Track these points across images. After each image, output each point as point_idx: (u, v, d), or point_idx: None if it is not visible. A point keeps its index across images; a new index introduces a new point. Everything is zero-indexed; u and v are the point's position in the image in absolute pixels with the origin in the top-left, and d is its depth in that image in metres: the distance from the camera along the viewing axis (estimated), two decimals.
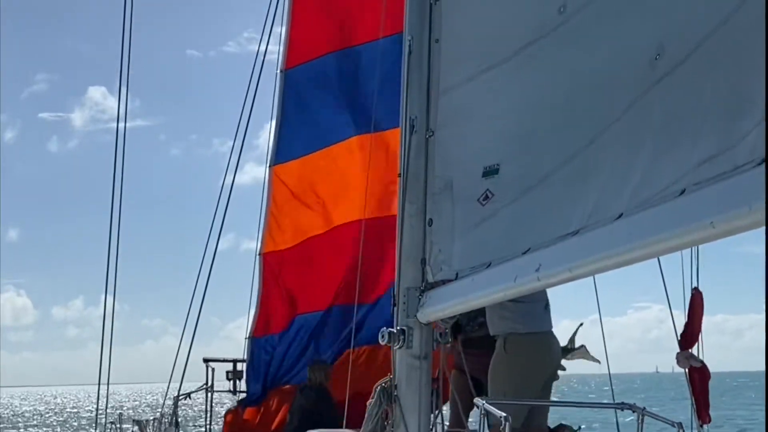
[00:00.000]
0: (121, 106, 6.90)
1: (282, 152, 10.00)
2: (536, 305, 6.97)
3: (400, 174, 5.60)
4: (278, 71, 9.94)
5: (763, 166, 3.61)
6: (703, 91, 4.24)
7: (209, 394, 10.41)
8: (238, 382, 10.40)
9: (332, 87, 9.89)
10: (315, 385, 9.51)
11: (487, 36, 5.27)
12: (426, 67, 5.53)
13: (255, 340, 10.11)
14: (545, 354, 7.01)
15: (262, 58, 9.17)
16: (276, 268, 10.11)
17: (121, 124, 6.55)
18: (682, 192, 3.97)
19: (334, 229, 9.89)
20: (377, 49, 8.52)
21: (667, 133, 4.38)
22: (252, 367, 10.13)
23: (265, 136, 10.05)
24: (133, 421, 11.32)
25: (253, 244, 10.17)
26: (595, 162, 4.71)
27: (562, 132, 4.91)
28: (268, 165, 10.00)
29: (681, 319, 5.29)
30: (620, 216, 4.25)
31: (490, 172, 5.19)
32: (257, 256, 10.06)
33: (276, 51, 9.64)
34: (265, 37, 9.05)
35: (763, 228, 3.38)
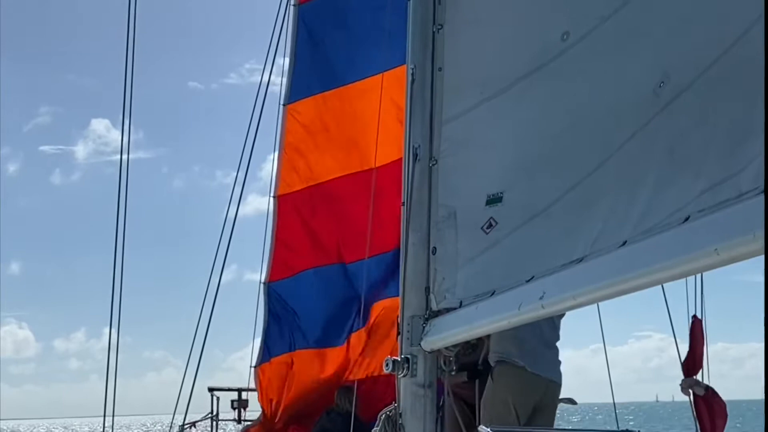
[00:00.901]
0: (124, 138, 6.90)
1: (296, 90, 9.61)
2: (539, 343, 6.99)
3: (403, 203, 5.60)
4: (292, 5, 9.53)
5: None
6: (706, 119, 4.24)
7: (214, 423, 10.35)
8: (243, 410, 10.26)
9: (348, 22, 9.54)
10: (342, 410, 9.30)
11: (490, 64, 5.28)
12: (429, 95, 5.54)
13: (272, 285, 9.69)
14: (528, 391, 7.01)
15: (264, 89, 9.11)
16: (292, 210, 9.69)
17: (125, 156, 6.55)
18: (686, 219, 3.97)
19: (355, 175, 9.50)
20: None
21: (671, 161, 4.38)
22: (273, 319, 9.65)
23: (268, 168, 9.92)
24: None
25: (255, 276, 10.04)
26: (599, 190, 4.71)
27: (566, 159, 4.91)
28: (281, 104, 9.57)
29: (684, 347, 5.28)
30: (624, 243, 4.24)
31: (493, 200, 5.19)
32: (271, 199, 9.65)
33: (279, 82, 9.55)
34: (268, 68, 9.02)
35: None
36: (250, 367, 9.75)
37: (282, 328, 9.65)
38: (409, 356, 5.50)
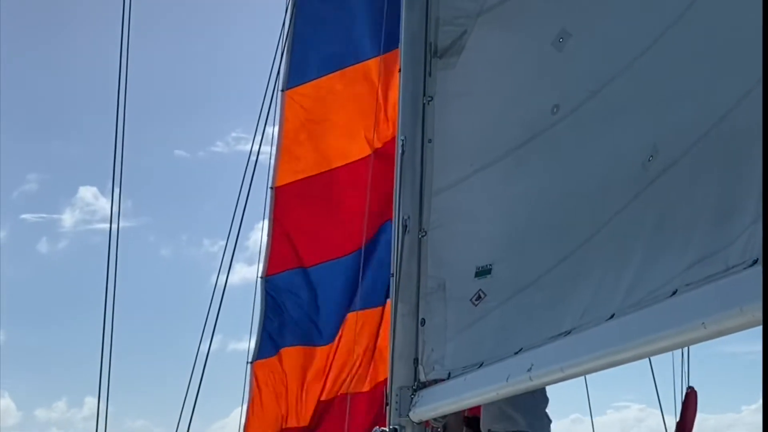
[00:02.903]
0: (114, 207, 6.90)
1: (295, 74, 9.30)
2: (541, 402, 6.91)
3: (392, 274, 5.60)
4: None
5: (755, 267, 3.63)
6: (695, 193, 4.27)
7: None
8: None
9: (349, 2, 9.31)
10: None
11: (480, 136, 5.32)
12: (419, 166, 5.56)
13: (270, 279, 9.35)
14: None
15: (254, 158, 9.04)
16: (292, 200, 9.40)
17: (114, 226, 6.55)
18: (674, 293, 3.98)
19: (354, 163, 9.23)
20: None
21: (660, 234, 4.40)
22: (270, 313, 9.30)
23: (255, 237, 9.82)
24: None
25: (240, 345, 9.88)
26: (588, 263, 4.73)
27: (555, 232, 4.94)
28: (280, 89, 9.21)
29: (669, 419, 5.27)
30: (612, 316, 4.25)
31: (482, 272, 5.20)
32: (269, 190, 9.30)
33: (267, 152, 9.43)
34: (258, 137, 8.98)
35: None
36: (247, 363, 9.38)
37: (280, 322, 9.47)
38: (397, 427, 5.47)
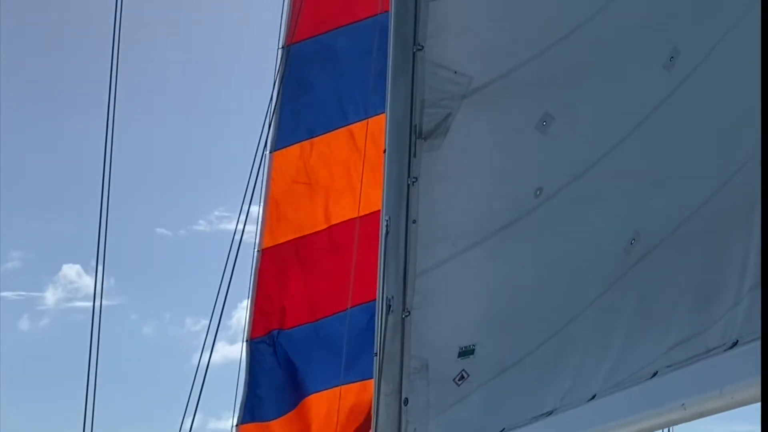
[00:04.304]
0: (98, 286, 6.90)
1: (282, 137, 9.38)
2: None
3: (376, 353, 5.60)
4: (280, 47, 9.36)
5: (734, 349, 3.67)
6: (676, 276, 4.32)
7: None
8: None
9: (337, 65, 9.43)
10: None
11: (464, 217, 5.36)
12: (403, 247, 5.58)
13: (254, 342, 9.31)
14: None
15: (239, 237, 9.04)
16: (278, 263, 9.40)
17: (97, 303, 6.55)
18: (655, 374, 4.01)
19: (338, 225, 9.28)
20: (377, 24, 8.10)
21: (641, 317, 4.45)
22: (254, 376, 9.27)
23: (239, 315, 9.80)
24: None
25: (220, 424, 9.81)
26: (570, 344, 4.76)
27: (538, 314, 4.97)
28: (268, 151, 9.22)
29: None
30: (594, 397, 4.26)
31: (465, 352, 5.21)
32: (255, 252, 9.33)
33: (253, 231, 9.47)
34: (242, 217, 8.99)
35: None
36: (232, 426, 9.25)
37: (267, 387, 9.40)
38: None
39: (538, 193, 4.95)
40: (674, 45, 4.50)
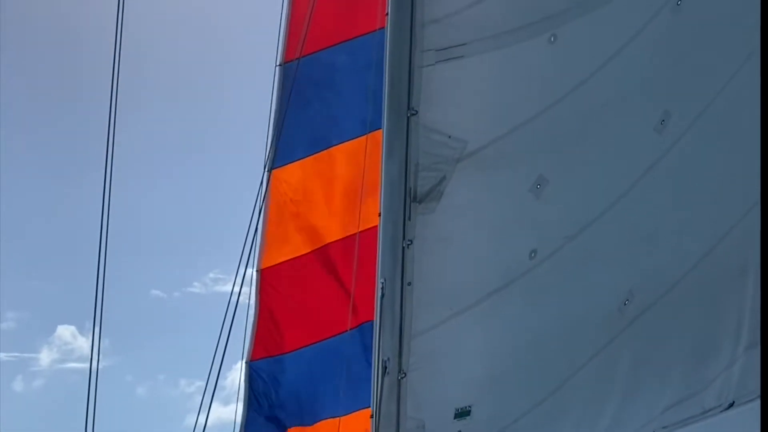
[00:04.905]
0: (94, 347, 6.89)
1: (281, 154, 9.15)
2: None
3: (372, 415, 5.60)
4: (277, 65, 9.14)
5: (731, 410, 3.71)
6: (671, 336, 4.39)
7: None
8: None
9: (335, 81, 9.27)
10: None
11: (459, 280, 5.40)
12: (398, 309, 5.60)
13: (254, 364, 9.14)
14: None
15: (235, 300, 9.04)
16: (277, 284, 9.25)
17: (94, 365, 6.54)
18: None
19: (338, 242, 9.14)
20: (376, 39, 8.05)
21: (637, 377, 4.50)
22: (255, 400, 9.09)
23: (233, 376, 9.75)
24: None
25: None
26: (565, 405, 4.80)
27: (533, 375, 5.01)
28: (266, 169, 9.01)
29: None
30: None
31: (462, 413, 5.23)
32: (255, 273, 9.08)
33: (247, 293, 9.44)
34: (238, 280, 9.00)
35: None
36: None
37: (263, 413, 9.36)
38: None
39: (532, 255, 5.01)
40: (665, 108, 4.60)
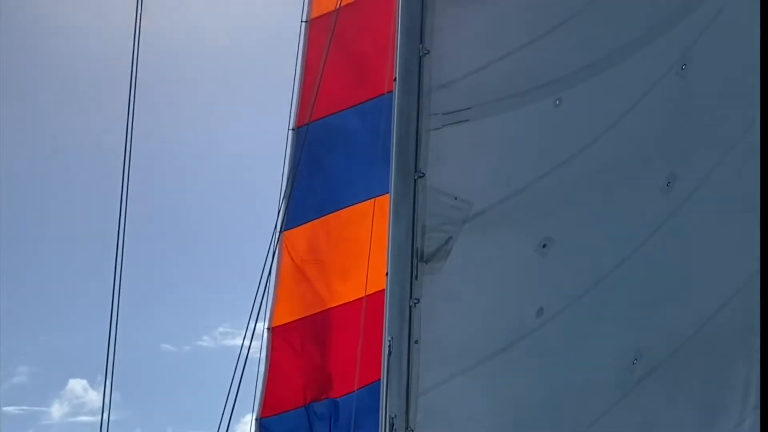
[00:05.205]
0: (106, 400, 6.92)
1: (293, 216, 9.39)
2: None
3: None
4: (290, 129, 9.47)
5: None
6: (679, 396, 4.45)
7: None
8: None
9: (346, 144, 9.55)
10: None
11: (466, 338, 5.46)
12: (405, 367, 5.65)
13: (264, 421, 9.28)
14: None
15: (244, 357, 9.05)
16: (287, 343, 9.42)
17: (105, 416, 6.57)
18: None
19: (347, 304, 9.32)
20: (383, 103, 8.32)
21: None
22: None
23: (242, 429, 9.77)
24: None
25: None
26: None
27: None
28: (278, 231, 9.07)
29: None
30: None
31: None
32: (265, 331, 9.32)
33: (258, 347, 9.49)
34: (249, 333, 9.02)
35: None
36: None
37: None
38: None
39: (539, 314, 5.08)
40: (671, 170, 4.70)
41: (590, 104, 5.16)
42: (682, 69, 5.06)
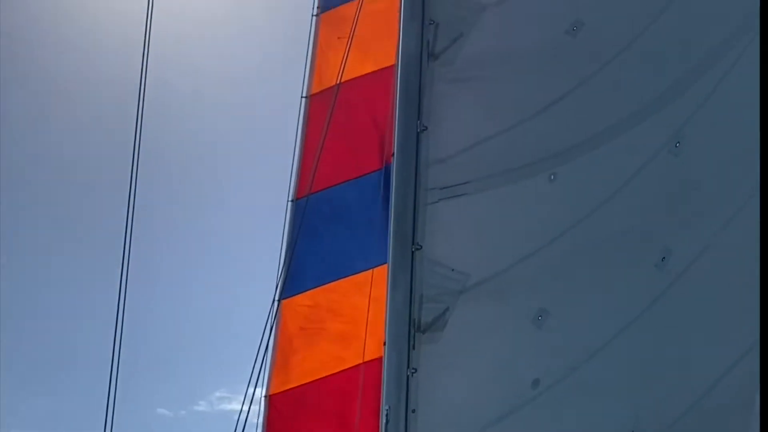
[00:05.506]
0: None
1: (292, 285, 9.53)
2: None
3: None
4: (289, 201, 9.73)
5: None
6: None
7: None
8: None
9: (344, 216, 9.73)
10: None
11: (463, 408, 5.54)
12: None
13: None
14: None
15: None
16: (285, 411, 9.47)
17: None
18: None
19: (345, 372, 9.44)
20: (382, 177, 8.56)
21: None
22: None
23: None
24: None
25: None
26: None
27: None
28: (277, 298, 9.24)
29: None
30: None
31: None
32: (263, 399, 9.38)
33: (256, 412, 9.59)
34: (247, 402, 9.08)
35: None
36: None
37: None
38: None
39: (535, 385, 5.16)
40: (666, 245, 4.83)
41: (584, 180, 5.30)
42: (676, 146, 5.21)
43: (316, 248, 9.82)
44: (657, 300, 4.78)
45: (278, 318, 9.59)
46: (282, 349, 9.70)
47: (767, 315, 4.03)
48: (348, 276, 9.74)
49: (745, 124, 5.31)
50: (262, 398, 9.63)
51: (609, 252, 5.15)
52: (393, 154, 5.64)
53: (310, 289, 9.78)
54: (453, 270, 5.53)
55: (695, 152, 5.18)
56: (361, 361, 9.19)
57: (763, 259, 4.31)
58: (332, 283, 9.80)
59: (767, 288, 4.16)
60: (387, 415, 5.84)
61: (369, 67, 10.03)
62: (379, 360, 7.88)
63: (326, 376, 9.63)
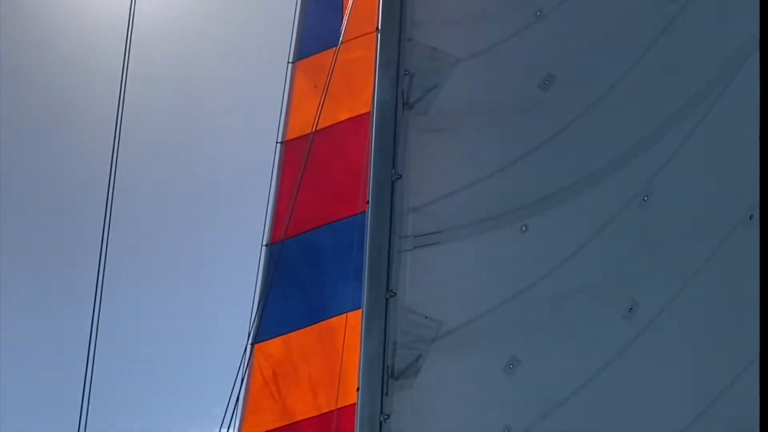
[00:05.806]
0: None
1: (265, 329, 9.54)
2: None
3: None
4: (264, 245, 9.81)
5: None
6: None
7: None
8: None
9: (319, 262, 9.80)
10: None
11: None
12: None
13: None
14: None
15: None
16: None
17: None
18: None
19: (319, 417, 9.45)
20: (356, 223, 8.50)
21: None
22: None
23: None
24: None
25: None
26: None
27: None
28: (250, 342, 9.38)
29: None
30: None
31: None
32: None
33: None
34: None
35: None
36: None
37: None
38: None
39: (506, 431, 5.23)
40: (633, 297, 4.94)
41: (554, 231, 5.41)
42: (644, 200, 5.33)
43: (290, 292, 9.90)
44: (624, 350, 4.89)
45: (251, 362, 9.65)
46: (255, 393, 9.74)
47: (736, 364, 4.13)
48: (322, 321, 9.83)
49: (713, 178, 5.43)
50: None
51: (578, 302, 5.26)
52: (368, 201, 5.74)
53: (283, 334, 9.86)
54: (426, 317, 5.62)
55: (664, 206, 5.30)
56: (334, 407, 9.26)
57: (732, 309, 4.41)
58: (306, 329, 9.88)
59: (738, 337, 4.26)
60: None
61: (344, 115, 10.16)
62: (353, 406, 7.98)
63: (299, 421, 9.67)
